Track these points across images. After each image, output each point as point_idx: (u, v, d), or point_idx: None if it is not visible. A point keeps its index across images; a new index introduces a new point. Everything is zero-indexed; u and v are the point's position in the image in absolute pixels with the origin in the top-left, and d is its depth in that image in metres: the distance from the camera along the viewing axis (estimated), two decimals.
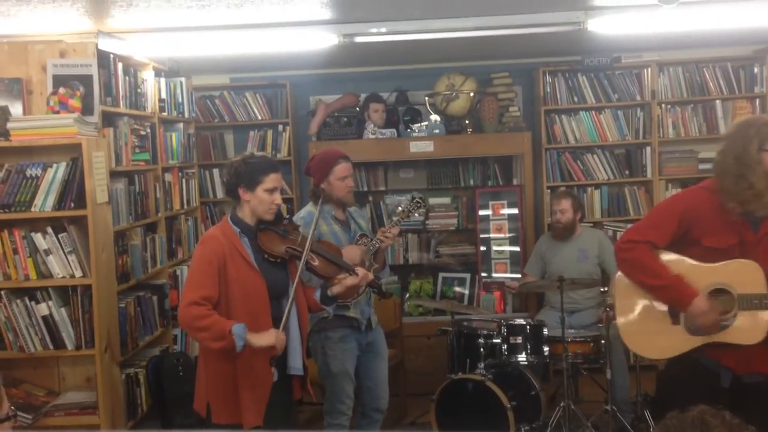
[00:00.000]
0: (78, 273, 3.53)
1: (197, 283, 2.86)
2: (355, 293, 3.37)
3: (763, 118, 2.95)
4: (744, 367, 2.87)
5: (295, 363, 3.01)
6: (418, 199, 4.01)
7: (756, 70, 5.66)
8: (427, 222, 5.85)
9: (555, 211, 4.89)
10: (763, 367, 2.85)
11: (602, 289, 4.48)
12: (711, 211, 2.89)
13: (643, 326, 3.02)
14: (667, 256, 2.95)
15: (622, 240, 3.04)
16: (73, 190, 3.48)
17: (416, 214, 4.01)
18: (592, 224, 5.60)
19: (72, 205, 3.48)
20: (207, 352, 2.95)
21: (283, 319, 2.92)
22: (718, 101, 5.70)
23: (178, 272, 4.75)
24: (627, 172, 5.74)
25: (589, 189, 5.75)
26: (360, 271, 3.18)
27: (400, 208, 3.97)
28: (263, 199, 2.97)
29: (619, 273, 3.07)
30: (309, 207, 3.82)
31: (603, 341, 4.31)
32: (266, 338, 2.84)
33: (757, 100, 5.68)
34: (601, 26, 4.22)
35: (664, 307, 2.97)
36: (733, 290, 2.86)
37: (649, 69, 5.65)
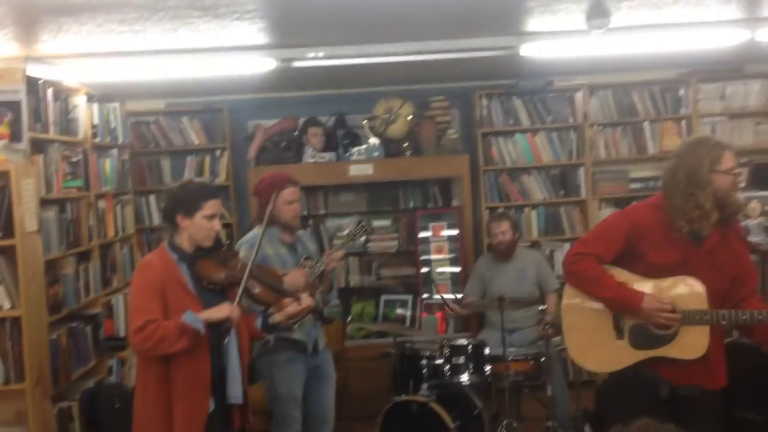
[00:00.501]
0: (6, 304, 3.42)
1: (140, 309, 2.79)
2: (296, 320, 3.33)
3: (712, 139, 3.00)
4: (681, 379, 2.93)
5: (235, 392, 2.95)
6: (363, 224, 4.04)
7: (681, 92, 5.89)
8: (367, 245, 5.86)
9: (496, 234, 4.96)
10: (700, 379, 2.92)
11: (540, 308, 4.55)
12: (657, 228, 2.94)
13: (589, 340, 3.07)
14: (613, 271, 3.00)
15: (569, 253, 3.08)
16: (0, 219, 3.37)
17: (361, 239, 4.03)
18: (530, 243, 5.71)
19: (0, 234, 3.37)
20: (146, 381, 2.87)
21: (237, 297, 2.91)
22: (646, 123, 5.90)
23: (113, 301, 4.63)
24: (562, 192, 5.88)
25: (526, 209, 5.86)
26: (304, 299, 3.16)
27: (345, 231, 3.99)
28: (202, 225, 2.93)
29: (567, 288, 3.12)
30: (255, 230, 3.80)
31: (543, 359, 4.37)
32: (220, 310, 2.84)
33: (683, 122, 5.91)
34: (534, 51, 4.34)
35: (609, 323, 3.03)
36: (676, 306, 2.91)
37: (581, 92, 5.82)
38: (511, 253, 4.97)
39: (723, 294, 2.94)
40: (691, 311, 2.88)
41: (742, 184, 3.90)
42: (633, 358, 2.97)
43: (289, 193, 3.71)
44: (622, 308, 2.97)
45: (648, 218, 2.98)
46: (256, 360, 3.71)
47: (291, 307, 3.12)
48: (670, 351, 2.92)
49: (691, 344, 2.88)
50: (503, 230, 4.92)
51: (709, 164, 2.86)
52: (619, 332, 3.01)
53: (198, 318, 2.76)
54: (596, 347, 3.05)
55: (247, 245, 3.61)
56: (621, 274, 2.98)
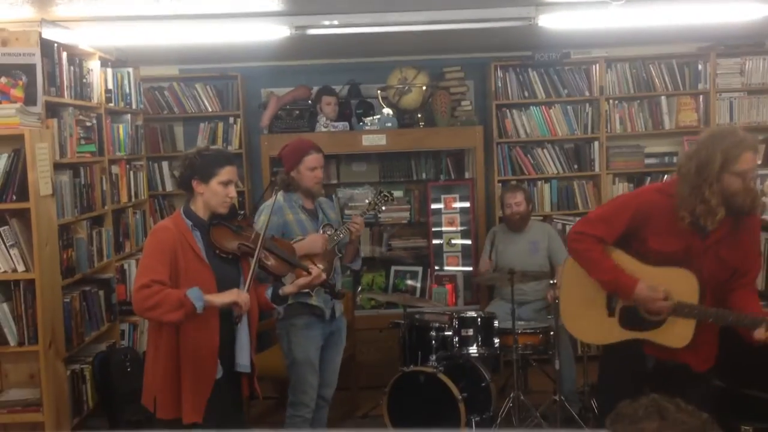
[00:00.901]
0: (21, 267, 3.45)
1: (147, 268, 2.79)
2: (307, 291, 3.36)
3: (737, 136, 2.83)
4: (666, 356, 2.99)
5: (243, 360, 2.99)
6: (385, 193, 4.02)
7: (700, 67, 5.81)
8: (379, 215, 5.85)
9: (510, 204, 4.95)
10: (686, 359, 2.97)
11: (551, 282, 4.55)
12: (663, 215, 2.92)
13: (582, 311, 3.15)
14: (614, 253, 3.02)
15: (574, 229, 3.11)
16: (15, 183, 3.39)
17: (383, 208, 4.03)
18: (542, 218, 5.69)
19: (14, 197, 3.39)
20: (157, 345, 2.90)
21: (248, 281, 2.91)
22: (663, 97, 5.83)
23: (126, 266, 4.67)
24: (576, 167, 5.84)
25: (539, 183, 5.83)
26: (314, 270, 3.16)
27: (367, 201, 4.00)
28: (217, 191, 2.93)
29: (570, 258, 3.15)
30: (278, 196, 3.83)
31: (552, 333, 4.38)
32: (226, 295, 2.81)
33: (701, 97, 5.83)
34: (552, 22, 4.28)
35: (603, 299, 3.07)
36: (670, 296, 2.92)
37: (598, 65, 5.75)
38: (525, 224, 4.97)
39: (720, 283, 2.95)
40: (682, 304, 2.89)
41: (758, 184, 3.87)
42: (619, 336, 3.03)
43: (313, 159, 3.74)
44: (616, 291, 3.01)
45: (654, 204, 2.96)
46: (274, 326, 3.75)
47: (301, 279, 3.13)
48: (656, 336, 2.97)
49: (677, 334, 2.93)
50: (518, 201, 4.92)
51: (722, 163, 2.78)
52: (610, 310, 3.06)
53: (202, 297, 2.74)
54: (587, 318, 3.13)
55: (267, 210, 3.64)
56: (620, 257, 3.00)
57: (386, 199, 4.03)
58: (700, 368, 3.00)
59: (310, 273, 3.14)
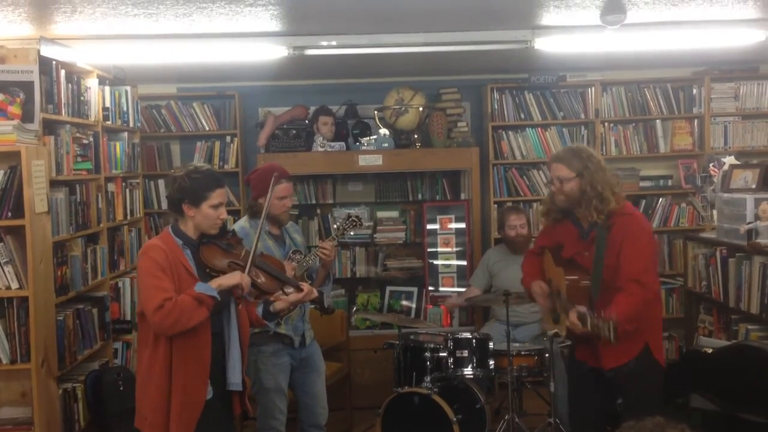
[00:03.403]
0: (14, 284, 3.42)
1: (156, 288, 2.77)
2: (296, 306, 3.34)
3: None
4: (593, 362, 3.35)
5: (235, 378, 2.97)
6: (354, 218, 3.97)
7: (695, 91, 5.85)
8: (374, 235, 5.86)
9: (514, 226, 4.96)
10: (605, 362, 3.29)
11: None
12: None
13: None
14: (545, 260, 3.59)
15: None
16: (10, 199, 3.38)
17: (351, 232, 3.98)
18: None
19: (9, 214, 3.38)
20: (150, 364, 2.88)
21: (248, 264, 2.94)
22: (658, 121, 5.87)
23: (120, 284, 4.65)
24: None
25: (535, 204, 5.84)
26: (305, 287, 3.16)
27: (335, 225, 3.97)
28: (209, 215, 2.92)
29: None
30: (242, 222, 3.82)
31: (547, 355, 4.37)
32: (232, 277, 2.87)
33: (696, 121, 5.88)
34: (548, 45, 4.32)
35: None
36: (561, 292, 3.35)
37: (593, 88, 5.79)
38: (526, 246, 4.97)
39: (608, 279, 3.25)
40: (555, 296, 3.40)
41: (754, 208, 4.15)
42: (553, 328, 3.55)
43: (283, 188, 3.71)
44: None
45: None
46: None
47: (292, 296, 3.11)
48: (559, 327, 3.41)
49: (563, 325, 3.32)
50: (522, 223, 4.95)
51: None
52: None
53: (211, 287, 2.78)
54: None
55: (252, 232, 3.60)
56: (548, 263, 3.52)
57: (354, 223, 3.96)
58: (601, 365, 3.32)
59: (301, 290, 3.13)
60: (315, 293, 3.23)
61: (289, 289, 3.14)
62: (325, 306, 3.44)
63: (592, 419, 3.50)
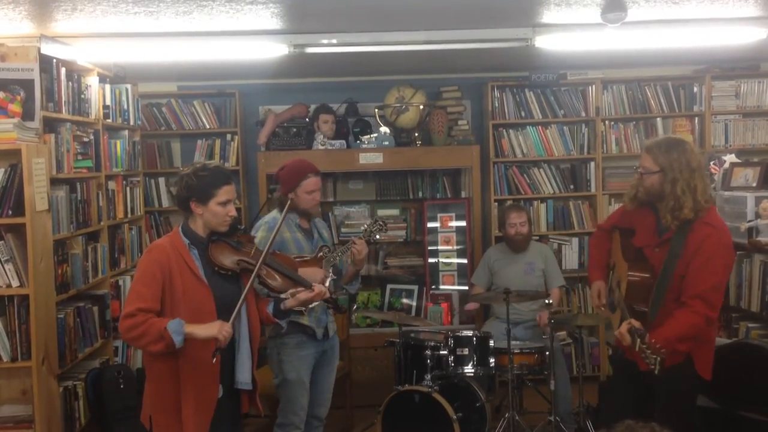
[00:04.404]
0: (15, 282, 3.43)
1: (137, 294, 2.77)
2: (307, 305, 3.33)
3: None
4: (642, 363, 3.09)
5: (243, 377, 2.95)
6: (380, 222, 3.97)
7: (695, 89, 5.85)
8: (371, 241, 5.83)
9: (515, 224, 4.96)
10: (640, 363, 3.00)
11: (546, 301, 4.55)
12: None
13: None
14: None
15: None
16: (11, 197, 3.38)
17: (377, 236, 4.01)
18: (538, 237, 5.69)
19: (10, 212, 3.38)
20: (153, 364, 2.87)
21: (233, 313, 2.83)
22: (659, 119, 5.87)
23: (121, 282, 4.65)
24: (572, 187, 5.86)
25: (535, 202, 5.85)
26: (316, 287, 3.12)
27: (363, 227, 3.99)
28: (217, 212, 2.90)
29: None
30: (274, 213, 3.85)
31: (547, 353, 4.37)
32: (208, 329, 2.73)
33: (696, 119, 5.87)
34: (548, 43, 4.31)
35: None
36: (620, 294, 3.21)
37: (594, 86, 5.78)
38: (526, 245, 4.99)
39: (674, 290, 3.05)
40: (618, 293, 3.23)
41: (754, 206, 4.10)
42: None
43: (311, 183, 3.75)
44: None
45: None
46: (265, 346, 3.72)
47: (303, 294, 3.07)
48: (613, 317, 3.30)
49: (616, 321, 3.18)
50: (522, 221, 4.95)
51: None
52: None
53: (182, 330, 2.69)
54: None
55: (266, 226, 3.69)
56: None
57: (381, 227, 3.97)
58: (639, 366, 3.05)
59: (312, 289, 3.10)
60: (327, 293, 3.20)
61: (300, 289, 3.12)
62: (339, 306, 3.45)
63: (619, 407, 3.26)
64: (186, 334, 2.70)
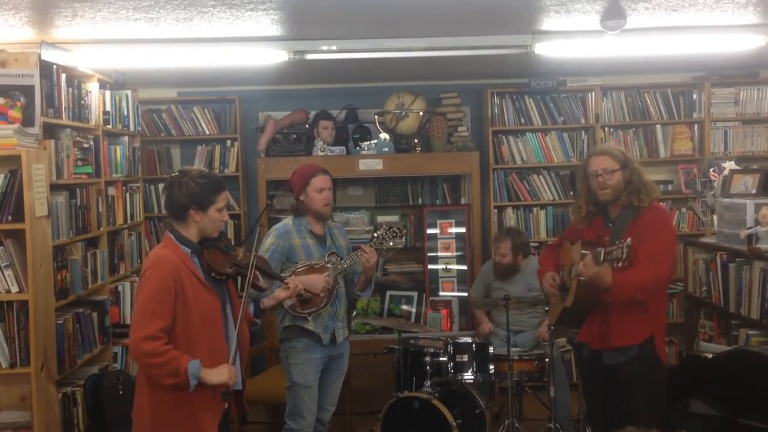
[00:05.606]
0: (14, 288, 3.42)
1: (154, 313, 2.72)
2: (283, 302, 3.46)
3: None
4: (596, 342, 3.43)
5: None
6: (395, 229, 3.95)
7: (695, 96, 5.86)
8: (383, 249, 5.83)
9: (496, 254, 4.95)
10: (612, 338, 3.37)
11: (546, 308, 4.54)
12: None
13: None
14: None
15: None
16: (10, 203, 3.38)
17: (390, 243, 3.99)
18: (537, 243, 5.68)
19: (9, 218, 3.38)
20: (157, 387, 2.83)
21: (232, 353, 2.86)
22: (658, 126, 5.88)
23: (120, 288, 4.64)
24: (571, 193, 5.85)
25: (535, 209, 5.85)
26: (290, 282, 3.28)
27: (376, 234, 3.96)
28: (215, 218, 2.92)
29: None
30: (287, 220, 3.88)
31: (547, 360, 4.36)
32: (219, 375, 2.78)
33: (696, 126, 5.88)
34: (548, 50, 4.32)
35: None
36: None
37: (593, 93, 5.79)
38: (511, 275, 4.90)
39: None
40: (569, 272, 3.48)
41: (755, 213, 4.20)
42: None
43: (320, 180, 3.78)
44: None
45: None
46: (268, 349, 3.77)
47: (278, 292, 3.25)
48: (567, 299, 3.51)
49: (571, 294, 3.45)
50: (502, 252, 4.88)
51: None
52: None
53: (197, 374, 2.71)
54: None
55: (276, 233, 3.76)
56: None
57: (395, 234, 3.94)
58: (611, 343, 3.39)
59: (287, 286, 3.24)
60: (299, 287, 3.34)
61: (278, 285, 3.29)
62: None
63: (603, 410, 3.58)
64: (200, 378, 2.73)
